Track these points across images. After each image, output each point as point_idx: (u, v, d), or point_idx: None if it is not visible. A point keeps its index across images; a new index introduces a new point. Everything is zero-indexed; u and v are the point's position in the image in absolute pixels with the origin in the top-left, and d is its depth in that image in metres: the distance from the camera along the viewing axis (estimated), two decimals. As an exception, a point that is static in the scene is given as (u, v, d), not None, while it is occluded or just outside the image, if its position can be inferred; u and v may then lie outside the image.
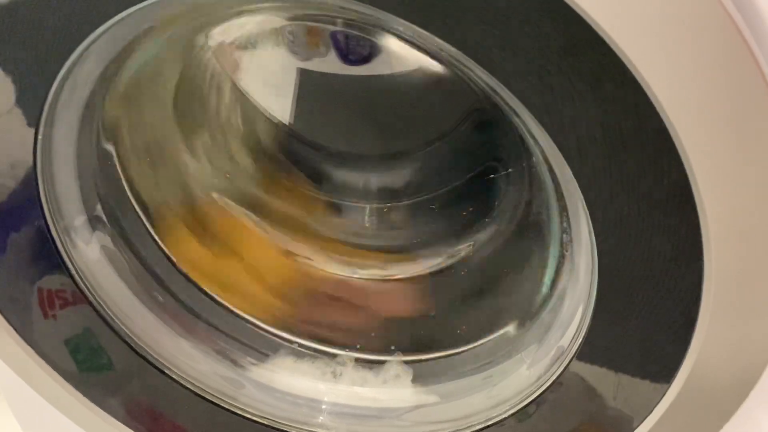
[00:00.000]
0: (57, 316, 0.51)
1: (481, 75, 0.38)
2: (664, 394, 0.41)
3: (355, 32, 0.52)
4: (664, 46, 0.32)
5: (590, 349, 0.43)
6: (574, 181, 0.37)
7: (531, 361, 0.49)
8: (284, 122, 0.61)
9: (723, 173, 0.34)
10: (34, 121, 0.44)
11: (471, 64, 0.36)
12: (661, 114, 0.33)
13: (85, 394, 0.53)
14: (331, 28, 0.52)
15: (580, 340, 0.44)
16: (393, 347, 0.58)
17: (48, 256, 0.51)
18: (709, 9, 0.31)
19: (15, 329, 0.50)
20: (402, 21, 0.35)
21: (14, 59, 0.42)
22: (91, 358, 0.53)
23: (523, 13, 0.32)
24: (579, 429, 0.46)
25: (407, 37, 0.49)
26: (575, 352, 0.44)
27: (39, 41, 0.41)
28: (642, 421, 0.43)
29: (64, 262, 0.51)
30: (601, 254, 0.39)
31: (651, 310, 0.39)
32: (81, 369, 0.53)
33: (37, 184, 0.47)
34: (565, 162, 0.37)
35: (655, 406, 0.42)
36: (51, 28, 0.40)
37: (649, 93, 0.33)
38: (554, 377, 0.46)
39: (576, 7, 0.31)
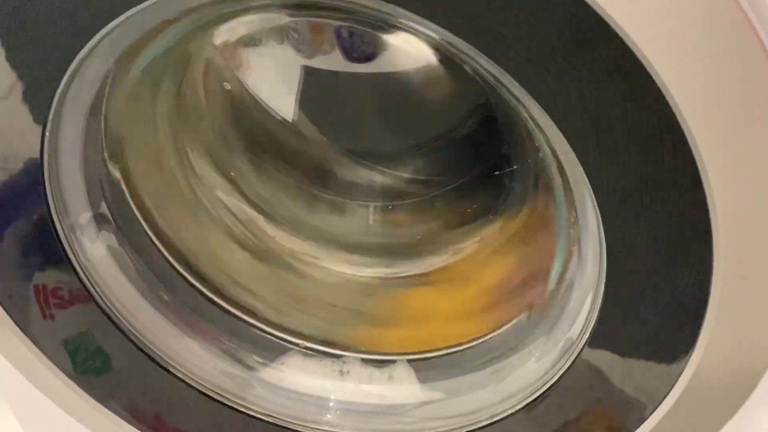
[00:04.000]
0: (55, 316, 0.51)
1: (489, 69, 0.38)
2: (675, 381, 0.41)
3: (360, 28, 0.52)
4: (675, 38, 0.32)
5: (600, 336, 0.43)
6: (583, 172, 0.37)
7: (539, 353, 0.49)
8: (288, 120, 0.61)
9: (732, 163, 0.35)
10: (41, 118, 0.44)
11: (479, 57, 0.36)
12: (671, 104, 0.33)
13: (89, 392, 0.52)
14: (336, 23, 0.52)
15: (589, 328, 0.44)
16: (393, 350, 0.58)
17: (44, 251, 0.50)
18: (720, 1, 0.31)
19: (17, 325, 0.49)
20: (409, 14, 0.35)
21: (23, 55, 0.41)
22: (89, 360, 0.53)
23: (534, 5, 0.33)
24: (588, 415, 0.46)
25: (412, 33, 0.49)
26: (585, 341, 0.44)
27: (48, 37, 0.41)
28: (654, 409, 0.43)
29: (69, 259, 0.51)
30: (609, 244, 0.39)
31: (661, 295, 0.40)
32: (78, 371, 0.52)
33: (43, 180, 0.47)
34: (573, 153, 0.37)
35: (666, 394, 0.42)
36: (60, 25, 0.40)
37: (660, 84, 0.33)
38: (564, 368, 0.46)
39: (591, 1, 0.31)
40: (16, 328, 0.50)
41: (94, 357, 0.53)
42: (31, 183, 0.47)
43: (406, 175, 0.64)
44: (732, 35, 0.32)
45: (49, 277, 0.51)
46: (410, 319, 0.61)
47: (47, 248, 0.50)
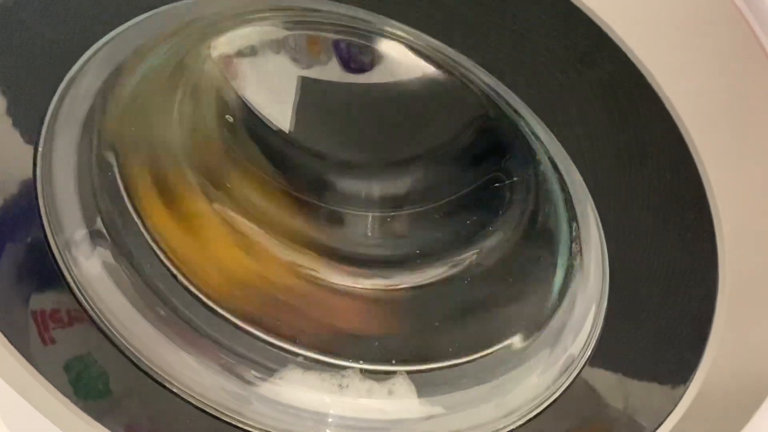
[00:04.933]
0: (55, 339, 0.50)
1: (488, 82, 0.38)
2: (678, 401, 0.41)
3: (358, 41, 0.52)
4: (681, 56, 0.31)
5: (602, 355, 0.43)
6: (585, 188, 0.37)
7: (542, 368, 0.49)
8: (285, 130, 0.60)
9: (739, 181, 0.34)
10: (32, 138, 0.44)
11: (480, 72, 0.35)
12: (677, 122, 0.33)
13: (89, 413, 0.52)
14: (333, 36, 0.52)
15: (592, 345, 0.43)
16: (395, 361, 0.57)
17: (40, 273, 0.50)
18: (726, 16, 0.31)
19: (19, 351, 0.49)
20: (407, 28, 0.35)
21: (11, 75, 0.41)
22: (90, 384, 0.53)
23: (538, 23, 0.32)
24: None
25: (411, 45, 0.49)
26: (588, 358, 0.44)
27: (37, 55, 0.40)
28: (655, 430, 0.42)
29: (64, 278, 0.50)
30: (612, 259, 0.39)
31: (665, 314, 0.39)
32: (79, 395, 0.52)
33: (36, 199, 0.46)
34: (575, 170, 0.36)
35: (668, 415, 0.42)
36: (50, 42, 0.39)
37: (665, 101, 0.32)
38: (566, 384, 0.46)
39: (593, 16, 0.31)
40: (18, 354, 0.49)
41: (95, 380, 0.52)
42: (27, 205, 0.46)
43: (404, 186, 0.63)
44: (737, 49, 0.32)
45: (47, 300, 0.50)
46: (410, 331, 0.60)
47: (43, 270, 0.49)
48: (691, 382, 0.40)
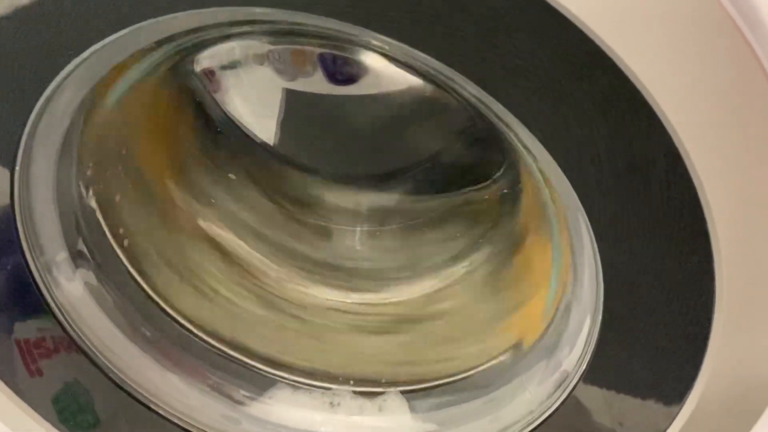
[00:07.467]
0: (42, 370, 0.49)
1: (476, 94, 0.37)
2: (674, 418, 0.40)
3: (344, 53, 0.51)
4: (676, 69, 0.31)
5: (597, 370, 0.43)
6: (577, 201, 0.36)
7: (536, 383, 0.48)
8: (269, 144, 0.59)
9: (735, 192, 0.34)
10: (9, 162, 0.42)
11: (467, 84, 0.35)
12: (672, 134, 0.32)
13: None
14: (318, 50, 0.51)
15: (586, 360, 0.43)
16: (385, 378, 0.56)
17: (22, 300, 0.49)
18: (720, 28, 0.31)
19: (7, 385, 0.48)
20: (397, 43, 0.34)
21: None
22: (79, 416, 0.51)
23: (531, 38, 0.31)
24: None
25: (397, 57, 0.48)
26: (582, 374, 0.43)
27: (13, 74, 0.39)
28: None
29: (46, 302, 0.49)
30: (606, 271, 0.38)
31: (660, 327, 0.39)
32: (70, 428, 0.51)
33: (15, 223, 0.45)
34: (567, 182, 0.36)
35: (664, 432, 0.41)
36: (26, 60, 0.38)
37: (659, 114, 0.32)
38: (560, 400, 0.45)
39: (587, 30, 0.30)
40: (5, 387, 0.48)
41: (84, 412, 0.51)
42: (6, 229, 0.45)
43: (393, 199, 0.62)
44: (735, 63, 0.31)
45: (31, 328, 0.49)
46: (403, 347, 0.59)
47: (25, 295, 0.48)
48: (687, 398, 0.39)
